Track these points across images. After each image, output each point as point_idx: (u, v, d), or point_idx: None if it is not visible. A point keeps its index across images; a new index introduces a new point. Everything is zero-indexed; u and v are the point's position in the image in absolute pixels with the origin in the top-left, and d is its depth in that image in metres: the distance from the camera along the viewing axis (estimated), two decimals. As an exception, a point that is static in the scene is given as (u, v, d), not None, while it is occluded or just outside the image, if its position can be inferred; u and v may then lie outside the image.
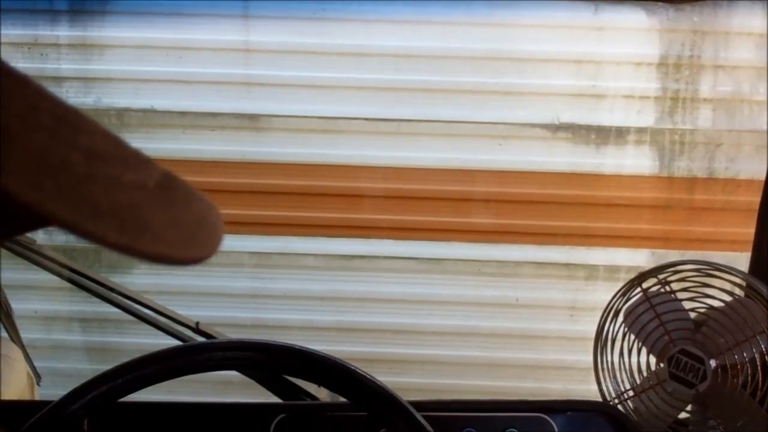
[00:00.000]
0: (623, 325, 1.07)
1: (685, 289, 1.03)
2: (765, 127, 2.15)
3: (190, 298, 2.28)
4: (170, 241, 0.31)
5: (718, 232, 2.21)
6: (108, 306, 1.14)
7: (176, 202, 0.34)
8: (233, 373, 0.94)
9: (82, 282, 1.13)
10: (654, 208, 2.25)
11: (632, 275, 1.08)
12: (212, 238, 0.34)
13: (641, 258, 2.26)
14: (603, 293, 1.55)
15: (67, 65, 2.22)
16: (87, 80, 2.22)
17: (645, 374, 1.06)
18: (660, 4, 2.12)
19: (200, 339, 1.12)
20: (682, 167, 2.23)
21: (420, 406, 0.80)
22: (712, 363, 0.98)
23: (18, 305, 1.40)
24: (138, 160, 0.33)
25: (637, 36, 2.18)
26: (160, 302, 1.17)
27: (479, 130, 2.21)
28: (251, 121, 2.24)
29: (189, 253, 0.32)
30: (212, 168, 2.25)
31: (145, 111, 2.23)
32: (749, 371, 0.96)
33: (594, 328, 1.09)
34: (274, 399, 1.09)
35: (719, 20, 2.15)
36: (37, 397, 1.42)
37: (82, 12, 2.20)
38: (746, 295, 0.99)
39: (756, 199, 1.16)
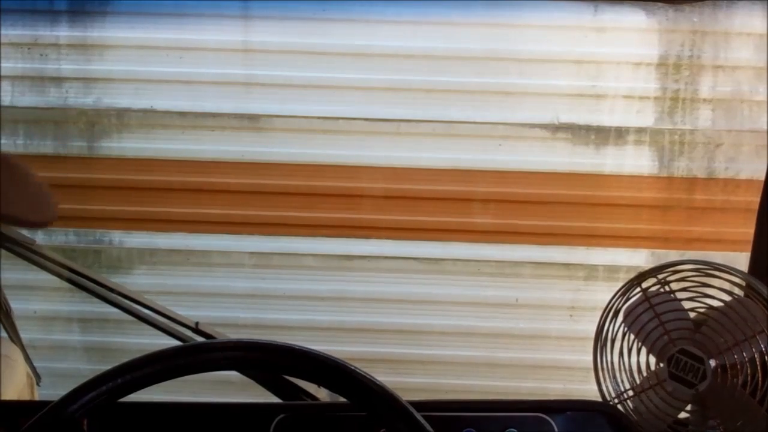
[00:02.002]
0: (623, 324, 1.07)
1: (684, 289, 1.03)
2: (765, 127, 2.15)
3: (190, 299, 2.28)
4: (20, 207, 0.38)
5: (718, 232, 2.21)
6: (108, 306, 1.14)
7: (18, 179, 0.40)
8: (233, 373, 0.94)
9: (81, 282, 1.13)
10: (653, 208, 2.25)
11: (632, 275, 1.08)
12: (50, 206, 0.42)
13: (641, 258, 2.26)
14: (603, 293, 1.55)
15: (67, 65, 2.22)
16: (87, 80, 2.22)
17: (645, 374, 1.05)
18: (660, 4, 2.12)
19: (200, 339, 1.12)
20: (681, 167, 2.23)
21: (420, 406, 0.80)
22: (712, 363, 0.98)
23: (18, 305, 1.40)
24: None
25: (637, 36, 2.18)
26: (160, 302, 1.17)
27: (479, 131, 2.21)
28: (251, 122, 2.24)
29: (35, 217, 0.40)
30: (212, 168, 2.25)
31: (145, 111, 2.23)
32: (749, 371, 0.96)
33: (594, 328, 1.09)
34: (274, 399, 1.09)
35: (719, 21, 2.15)
36: (36, 398, 1.41)
37: (82, 12, 2.20)
38: (746, 295, 0.99)
39: (756, 199, 1.16)
